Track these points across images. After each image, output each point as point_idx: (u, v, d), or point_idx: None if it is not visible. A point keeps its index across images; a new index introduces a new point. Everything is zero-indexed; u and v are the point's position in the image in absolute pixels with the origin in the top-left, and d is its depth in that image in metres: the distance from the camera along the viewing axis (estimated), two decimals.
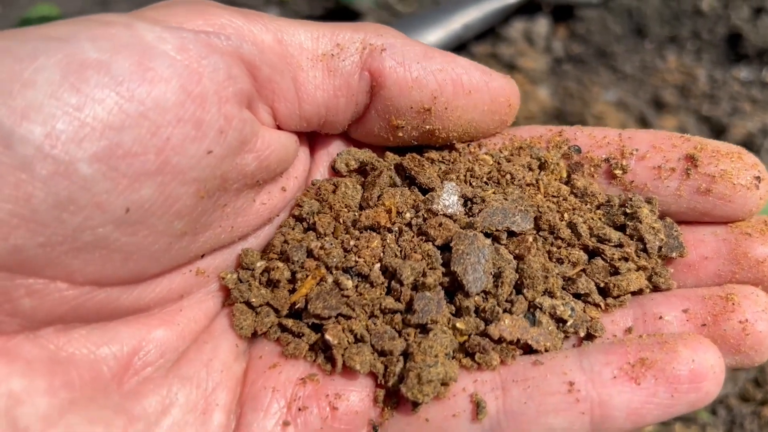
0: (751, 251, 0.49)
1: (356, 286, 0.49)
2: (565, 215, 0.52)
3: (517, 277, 0.48)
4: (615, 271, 0.50)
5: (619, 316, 0.50)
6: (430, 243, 0.50)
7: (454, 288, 0.48)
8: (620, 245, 0.51)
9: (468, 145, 0.56)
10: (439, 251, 0.50)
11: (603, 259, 0.50)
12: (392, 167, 0.54)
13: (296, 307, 0.50)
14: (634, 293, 0.51)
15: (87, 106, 0.36)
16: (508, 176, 0.53)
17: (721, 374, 0.44)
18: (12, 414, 0.38)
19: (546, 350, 0.47)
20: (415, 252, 0.50)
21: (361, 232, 0.51)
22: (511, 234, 0.50)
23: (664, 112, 1.45)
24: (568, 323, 0.48)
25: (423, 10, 1.63)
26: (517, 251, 0.49)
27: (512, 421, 0.44)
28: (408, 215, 0.52)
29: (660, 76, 1.51)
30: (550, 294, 0.49)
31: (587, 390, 0.44)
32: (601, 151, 0.54)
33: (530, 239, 0.49)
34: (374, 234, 0.51)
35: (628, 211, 0.51)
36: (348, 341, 0.48)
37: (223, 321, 0.51)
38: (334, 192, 0.53)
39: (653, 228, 0.50)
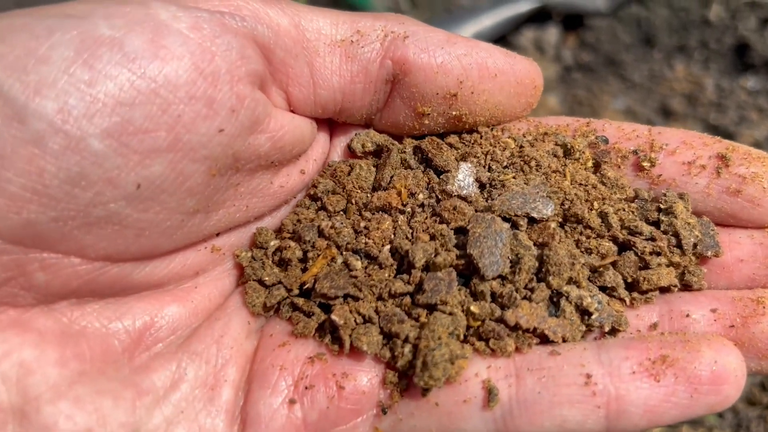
0: None
1: (365, 267, 0.49)
2: (595, 204, 0.51)
3: (537, 264, 0.47)
4: (645, 266, 0.49)
5: (644, 311, 0.48)
6: (444, 224, 0.49)
7: (469, 272, 0.47)
8: (652, 239, 0.49)
9: (492, 129, 0.54)
10: (453, 233, 0.49)
11: (635, 253, 0.49)
12: (408, 150, 0.54)
13: (306, 287, 0.50)
14: (662, 291, 0.49)
15: (99, 82, 0.36)
16: (533, 162, 0.52)
17: (743, 379, 0.43)
18: (23, 383, 0.39)
19: (564, 341, 0.46)
20: (427, 232, 0.49)
21: (372, 214, 0.51)
22: (532, 221, 0.49)
23: (672, 120, 1.45)
24: (593, 316, 0.46)
25: (435, 18, 1.64)
26: (540, 239, 0.48)
27: (524, 411, 0.43)
28: (421, 196, 0.51)
29: (668, 84, 1.51)
30: (576, 283, 0.47)
31: (605, 383, 0.42)
32: (629, 144, 0.53)
33: (553, 225, 0.48)
34: (385, 216, 0.50)
35: (662, 206, 0.50)
36: (355, 321, 0.47)
37: (236, 299, 0.51)
38: (348, 173, 0.53)
39: (689, 224, 0.49)
